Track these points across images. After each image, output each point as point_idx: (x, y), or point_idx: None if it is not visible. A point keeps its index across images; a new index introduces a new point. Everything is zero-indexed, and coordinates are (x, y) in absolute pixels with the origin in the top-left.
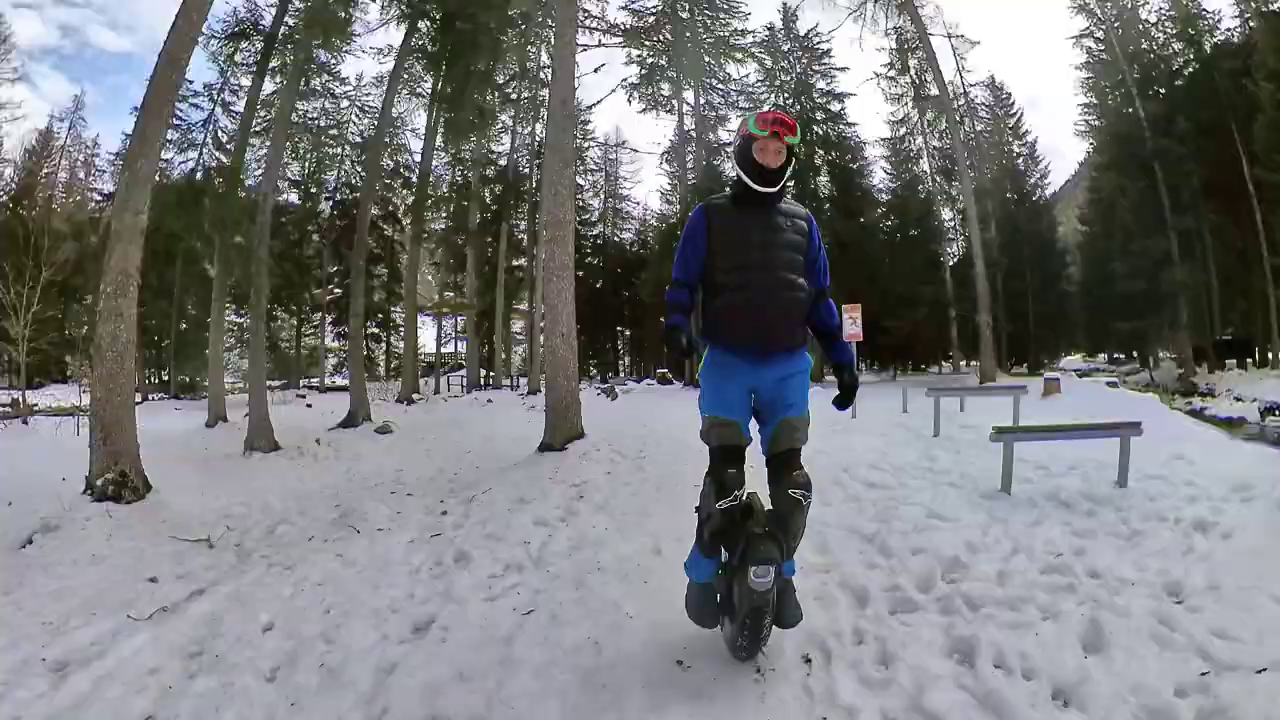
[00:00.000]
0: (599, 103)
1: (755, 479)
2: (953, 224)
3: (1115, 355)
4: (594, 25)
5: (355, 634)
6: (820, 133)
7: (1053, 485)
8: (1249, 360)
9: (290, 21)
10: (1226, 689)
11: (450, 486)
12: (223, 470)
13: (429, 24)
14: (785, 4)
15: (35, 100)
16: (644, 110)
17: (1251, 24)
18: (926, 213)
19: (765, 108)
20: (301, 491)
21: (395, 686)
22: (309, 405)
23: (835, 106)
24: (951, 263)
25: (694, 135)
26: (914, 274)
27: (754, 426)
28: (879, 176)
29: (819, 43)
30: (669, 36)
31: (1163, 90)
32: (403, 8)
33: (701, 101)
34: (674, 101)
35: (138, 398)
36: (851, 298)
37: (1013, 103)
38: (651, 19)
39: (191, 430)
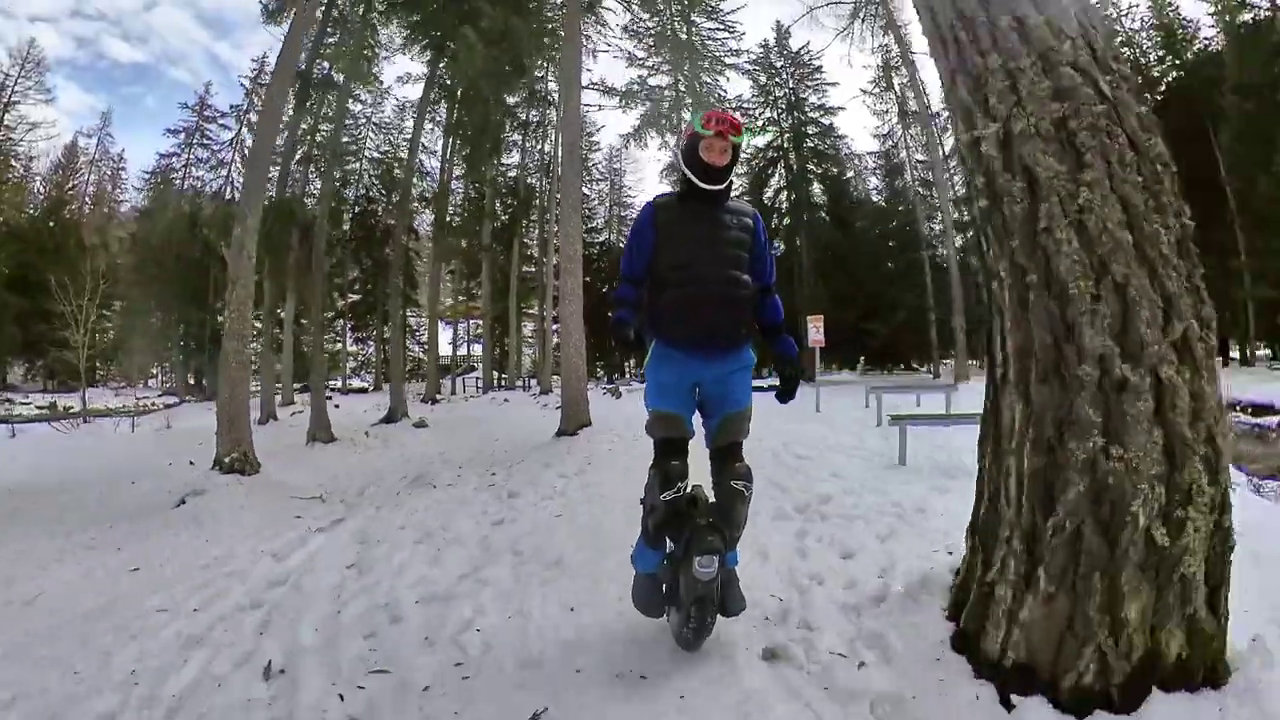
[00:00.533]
0: (602, 128)
1: (700, 472)
2: (941, 230)
3: None
4: (597, 88)
5: (461, 526)
6: (812, 146)
7: (945, 461)
8: (1228, 359)
9: (323, 66)
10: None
11: (490, 461)
12: (297, 456)
13: (448, 74)
14: (778, 21)
15: (54, 112)
16: (642, 143)
17: (1222, 39)
18: (909, 222)
19: (761, 121)
20: (370, 469)
21: (491, 543)
22: (336, 406)
23: (827, 120)
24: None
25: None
26: (896, 280)
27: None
28: (870, 186)
29: (810, 59)
30: (668, 57)
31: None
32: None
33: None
34: (673, 117)
35: (174, 400)
36: (838, 303)
37: None
38: (651, 40)
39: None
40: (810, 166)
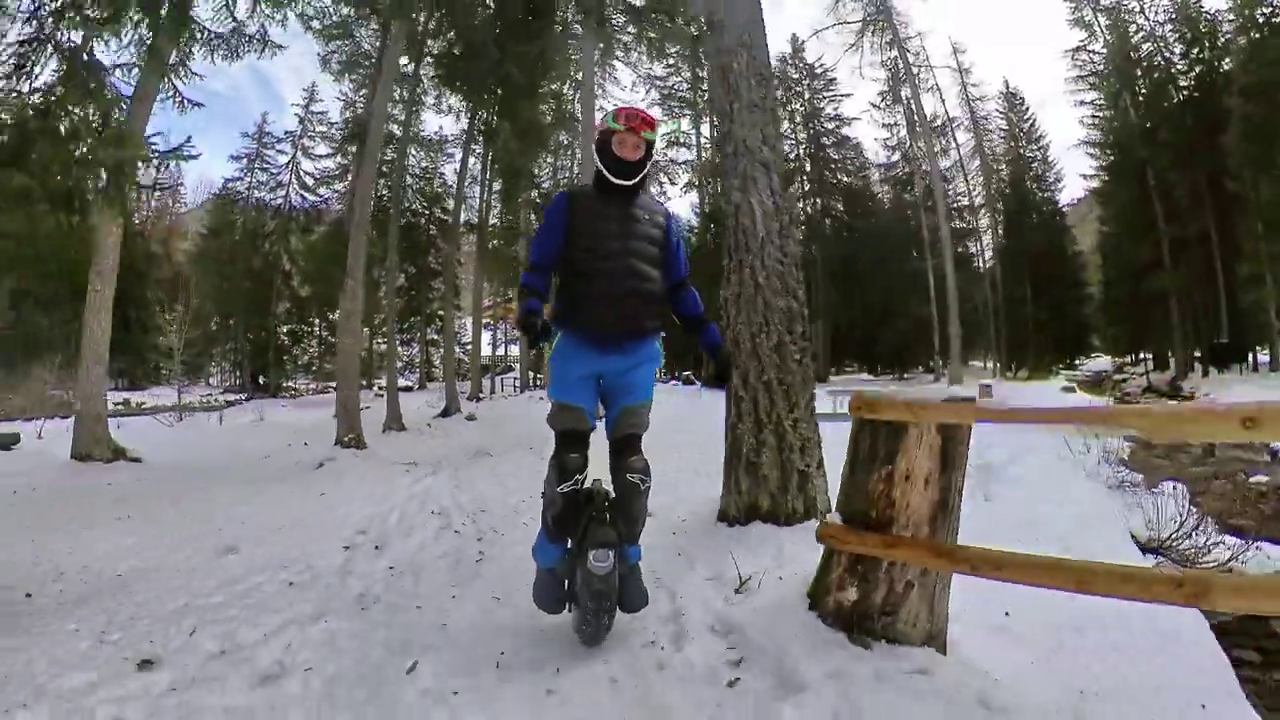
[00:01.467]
0: None
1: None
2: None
3: (1143, 357)
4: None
5: (515, 473)
6: (829, 156)
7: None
8: (1241, 365)
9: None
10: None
11: (532, 444)
12: (382, 440)
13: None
14: (794, 34)
15: None
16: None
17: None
18: (916, 231)
19: (680, 122)
20: (441, 449)
21: (536, 478)
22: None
23: (843, 131)
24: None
25: (712, 164)
26: (902, 287)
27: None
28: (883, 195)
29: (824, 71)
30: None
31: (1157, 96)
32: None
33: (716, 135)
34: (692, 134)
35: (242, 396)
36: (850, 309)
37: (1026, 107)
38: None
39: (328, 420)
40: (827, 175)
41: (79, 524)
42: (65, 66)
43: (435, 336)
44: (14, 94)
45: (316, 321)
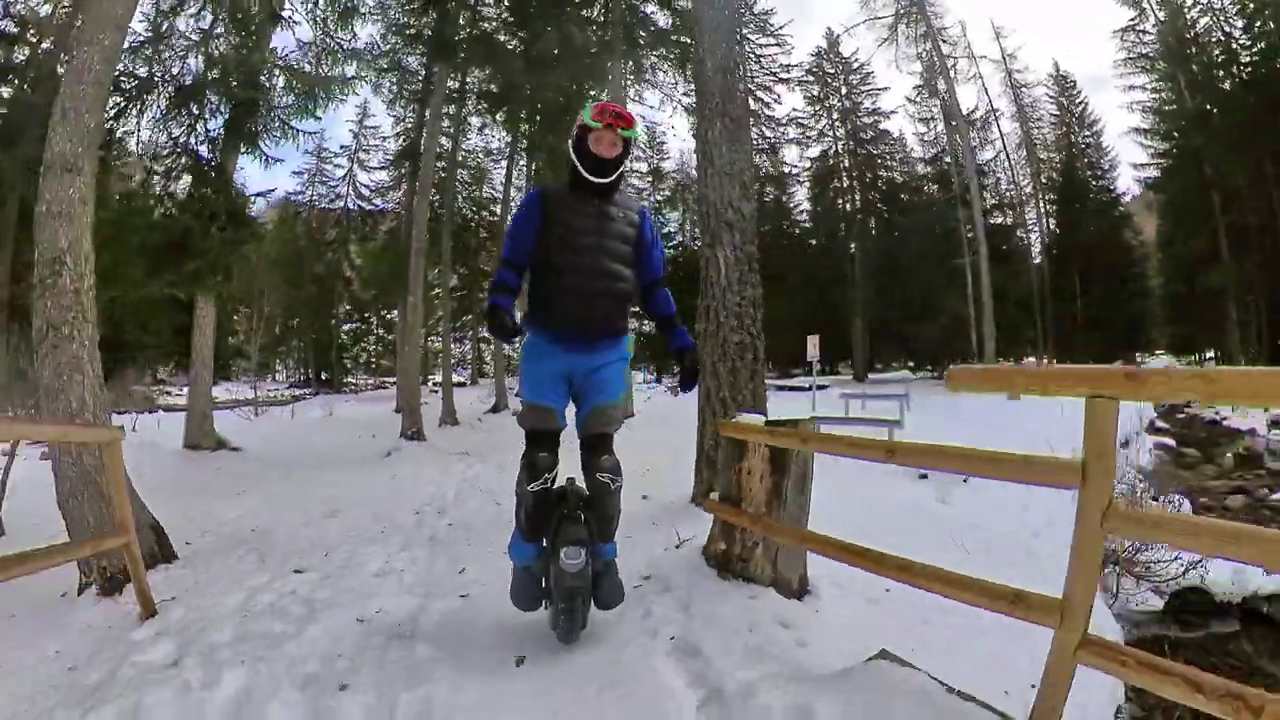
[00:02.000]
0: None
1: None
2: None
3: (1208, 357)
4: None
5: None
6: (867, 152)
7: None
8: None
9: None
10: None
11: (571, 435)
12: (439, 433)
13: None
14: (829, 28)
15: None
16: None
17: None
18: (954, 227)
19: (814, 132)
20: (490, 441)
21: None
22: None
23: (882, 126)
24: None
25: None
26: (940, 284)
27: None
28: (922, 190)
29: (861, 65)
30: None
31: (1215, 74)
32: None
33: (754, 135)
34: None
35: (309, 392)
36: (889, 306)
37: (1078, 90)
38: None
39: (390, 415)
40: (866, 171)
41: (208, 496)
42: (202, 173)
43: (486, 334)
44: (167, 195)
45: (374, 321)
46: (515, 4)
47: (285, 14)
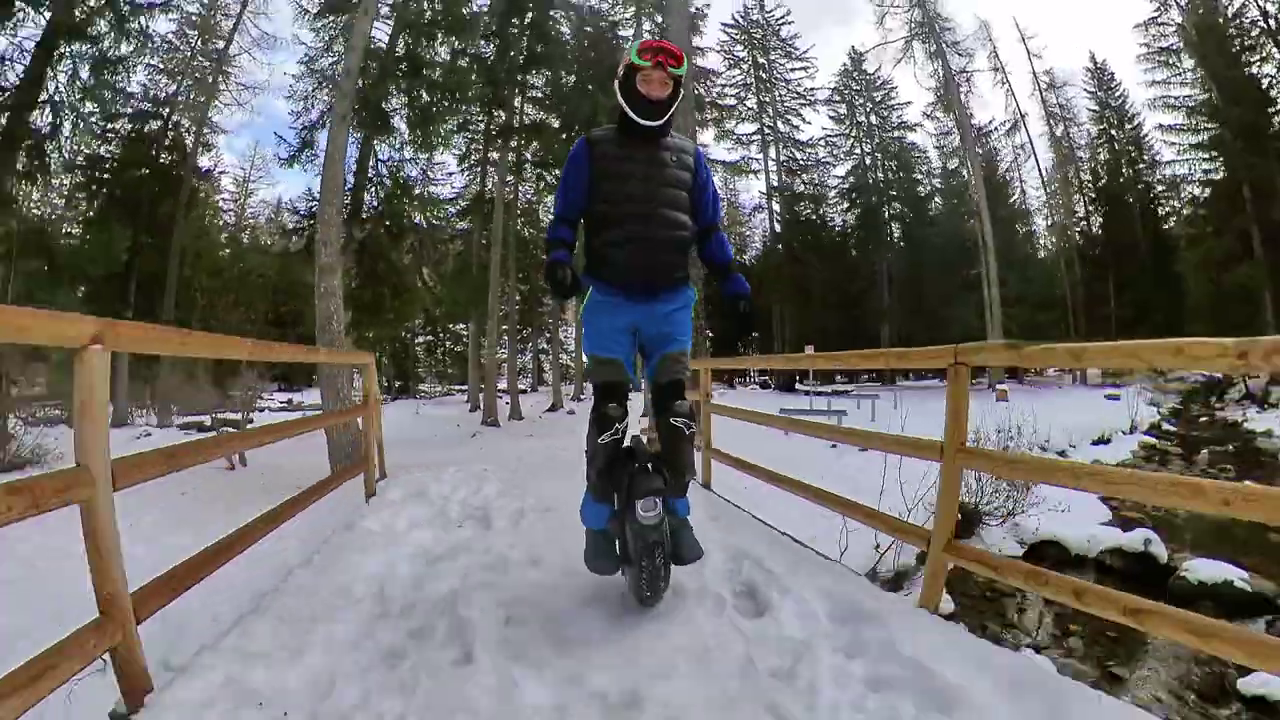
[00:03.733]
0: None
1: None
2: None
3: None
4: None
5: None
6: (892, 165)
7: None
8: None
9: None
10: None
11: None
12: (509, 425)
13: None
14: (853, 47)
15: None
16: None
17: None
18: (970, 240)
19: (841, 151)
20: (548, 428)
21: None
22: (506, 403)
23: (907, 139)
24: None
25: (776, 189)
26: (956, 295)
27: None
28: (941, 202)
29: (884, 82)
30: (753, 104)
31: (1246, 60)
32: None
33: (783, 157)
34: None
35: (387, 397)
36: (911, 316)
37: (1116, 83)
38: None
39: (465, 413)
40: (892, 184)
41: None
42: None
43: (545, 346)
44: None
45: (444, 335)
46: (555, 89)
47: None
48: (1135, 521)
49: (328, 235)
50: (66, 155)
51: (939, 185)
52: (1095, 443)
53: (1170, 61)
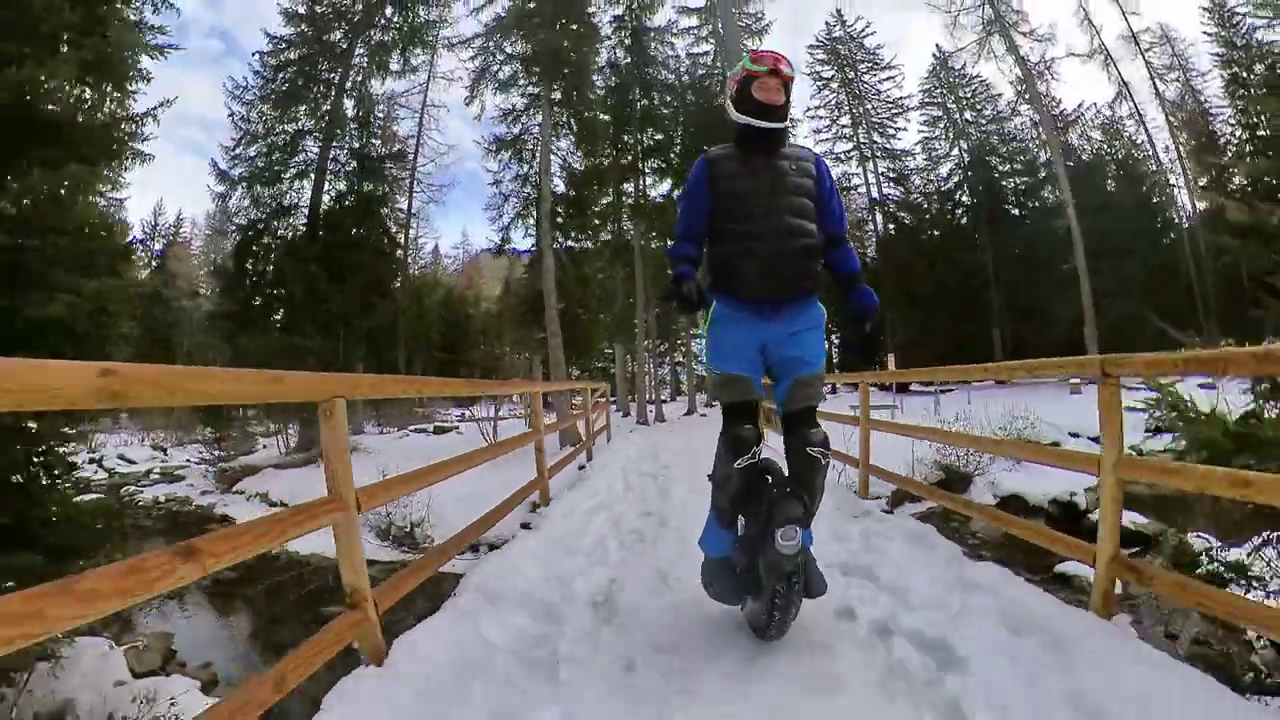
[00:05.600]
0: None
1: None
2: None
3: None
4: None
5: None
6: (992, 159)
7: None
8: None
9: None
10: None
11: None
12: (654, 425)
13: None
14: (937, 45)
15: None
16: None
17: None
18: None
19: (939, 155)
20: (684, 429)
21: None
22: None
23: (1003, 129)
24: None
25: (878, 201)
26: (1050, 292)
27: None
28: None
29: (971, 79)
30: (847, 121)
31: None
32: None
33: (882, 169)
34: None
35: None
36: (1018, 313)
37: (1238, 19)
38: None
39: (619, 419)
40: (986, 181)
41: None
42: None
43: (681, 359)
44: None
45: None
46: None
47: None
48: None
49: (551, 315)
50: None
51: (1033, 179)
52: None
53: None
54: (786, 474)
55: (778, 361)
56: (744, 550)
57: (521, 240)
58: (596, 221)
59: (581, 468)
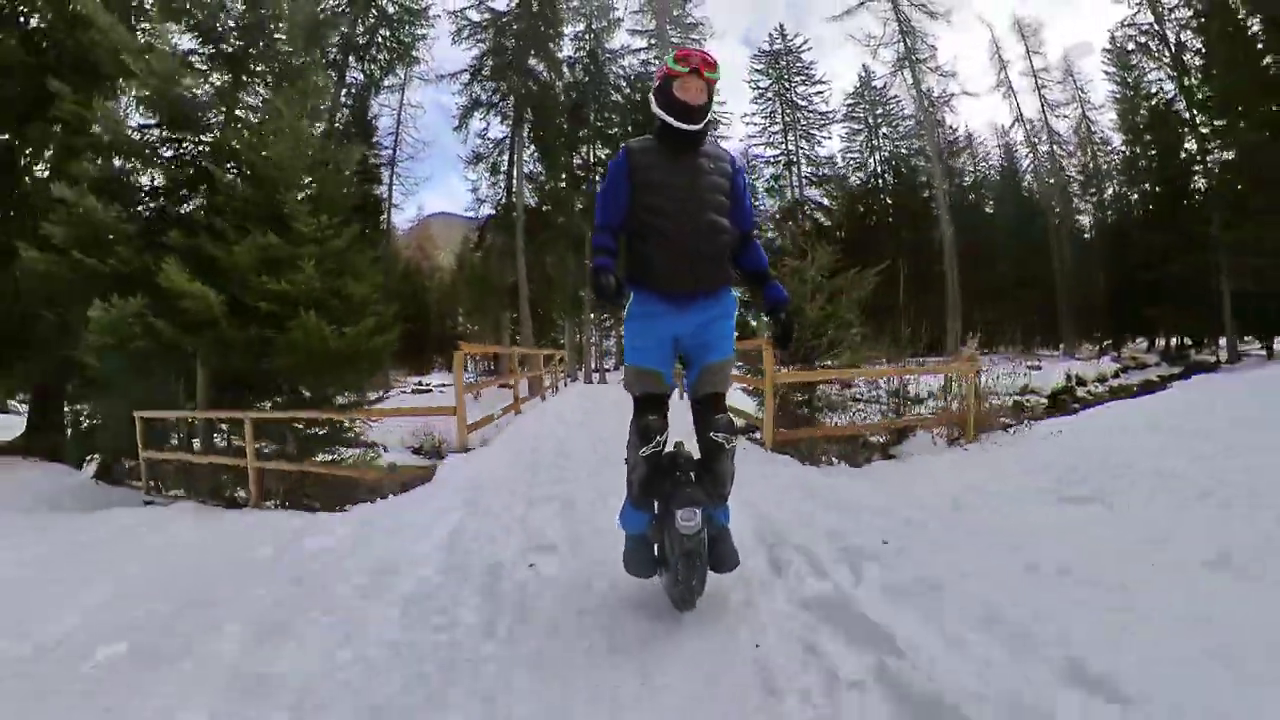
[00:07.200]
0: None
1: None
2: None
3: None
4: None
5: None
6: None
7: None
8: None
9: None
10: None
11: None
12: (598, 385)
13: None
14: (864, 66)
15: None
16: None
17: None
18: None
19: (857, 164)
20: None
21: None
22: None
23: (910, 145)
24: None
25: (799, 202)
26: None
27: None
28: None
29: (890, 97)
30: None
31: None
32: None
33: (805, 172)
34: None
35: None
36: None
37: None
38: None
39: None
40: (900, 185)
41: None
42: None
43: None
44: None
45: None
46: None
47: None
48: None
49: (523, 306)
50: None
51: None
52: None
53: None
54: (693, 459)
55: (689, 350)
56: (655, 529)
57: (494, 233)
58: (561, 219)
59: (542, 398)
